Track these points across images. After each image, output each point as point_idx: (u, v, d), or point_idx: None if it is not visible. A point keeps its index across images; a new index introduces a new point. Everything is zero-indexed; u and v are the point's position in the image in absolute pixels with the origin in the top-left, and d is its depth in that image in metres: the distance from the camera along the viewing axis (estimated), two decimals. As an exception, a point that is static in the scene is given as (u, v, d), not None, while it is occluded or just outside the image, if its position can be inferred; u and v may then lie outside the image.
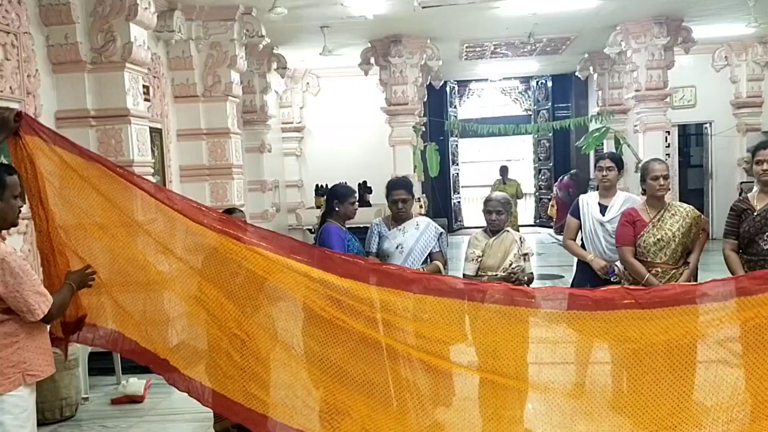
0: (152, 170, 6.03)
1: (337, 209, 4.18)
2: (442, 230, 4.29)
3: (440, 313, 2.86)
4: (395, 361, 2.94)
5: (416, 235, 4.15)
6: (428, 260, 4.17)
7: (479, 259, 4.07)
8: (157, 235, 3.10)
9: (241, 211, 4.61)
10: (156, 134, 6.99)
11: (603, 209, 4.54)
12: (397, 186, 4.22)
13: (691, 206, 4.11)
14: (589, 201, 4.63)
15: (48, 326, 2.89)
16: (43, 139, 2.91)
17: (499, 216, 4.08)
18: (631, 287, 3.25)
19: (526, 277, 4.04)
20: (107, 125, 5.49)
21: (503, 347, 2.79)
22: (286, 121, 13.14)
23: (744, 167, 11.34)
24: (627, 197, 4.61)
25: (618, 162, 4.69)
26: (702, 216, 4.14)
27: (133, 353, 3.17)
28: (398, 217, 4.20)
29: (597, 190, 4.75)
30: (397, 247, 4.12)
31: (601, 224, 4.48)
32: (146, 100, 6.30)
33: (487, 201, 4.15)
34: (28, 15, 5.14)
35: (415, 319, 2.93)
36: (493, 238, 4.10)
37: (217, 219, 3.03)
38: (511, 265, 4.02)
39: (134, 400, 4.97)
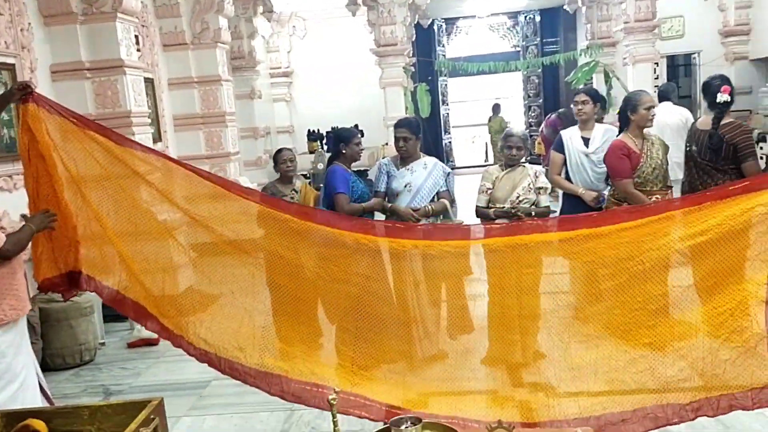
0: (149, 120, 6.08)
1: (344, 151, 4.30)
2: (449, 170, 4.42)
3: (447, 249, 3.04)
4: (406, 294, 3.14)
5: (424, 175, 4.25)
6: (435, 198, 4.28)
7: (489, 192, 4.21)
8: (157, 185, 3.19)
9: (290, 149, 4.84)
10: (148, 84, 6.98)
11: (585, 142, 4.72)
12: (400, 124, 4.32)
13: (655, 133, 4.38)
14: (571, 135, 4.79)
15: (19, 270, 2.96)
16: (46, 109, 3.05)
17: (519, 151, 4.17)
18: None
19: (533, 212, 4.10)
20: (102, 77, 5.51)
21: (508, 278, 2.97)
22: (274, 66, 13.06)
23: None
24: (606, 128, 4.82)
25: (594, 96, 4.85)
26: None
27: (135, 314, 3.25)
28: (401, 154, 4.30)
29: None
30: (405, 186, 4.22)
31: (587, 156, 4.67)
32: (137, 50, 6.28)
33: (508, 136, 4.23)
34: (16, -33, 5.10)
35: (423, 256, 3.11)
36: (505, 172, 4.21)
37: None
38: (518, 197, 4.13)
39: (150, 342, 5.16)
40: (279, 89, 13.13)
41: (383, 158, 4.54)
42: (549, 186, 4.28)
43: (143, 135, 5.68)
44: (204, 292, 3.24)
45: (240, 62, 10.54)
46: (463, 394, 3.03)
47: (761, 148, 4.06)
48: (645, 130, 4.33)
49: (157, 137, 7.19)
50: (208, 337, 3.11)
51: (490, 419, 2.52)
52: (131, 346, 5.26)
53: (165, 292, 3.17)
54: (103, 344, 5.33)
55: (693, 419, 2.69)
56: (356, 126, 12.18)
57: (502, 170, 4.24)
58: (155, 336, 5.21)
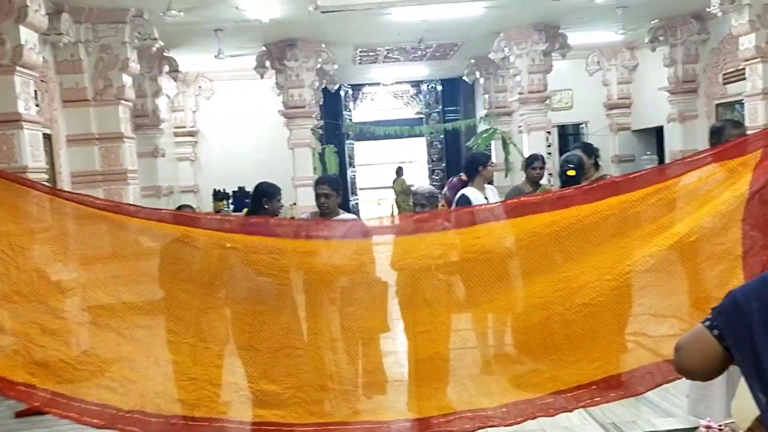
0: (46, 176, 5.83)
1: (266, 206, 4.34)
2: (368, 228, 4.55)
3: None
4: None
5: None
6: None
7: None
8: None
9: (191, 206, 4.71)
10: (46, 140, 6.73)
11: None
12: (321, 181, 4.50)
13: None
14: (473, 193, 5.18)
15: None
16: None
17: (423, 208, 4.41)
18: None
19: None
20: (-2, 131, 5.29)
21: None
22: (179, 126, 12.91)
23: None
24: (491, 187, 5.53)
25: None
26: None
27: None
28: (321, 210, 4.40)
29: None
30: None
31: None
32: (35, 105, 6.08)
33: (414, 194, 4.61)
34: None
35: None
36: None
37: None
38: None
39: (39, 410, 4.80)
40: (183, 148, 12.95)
41: (303, 214, 4.65)
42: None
43: (39, 192, 5.45)
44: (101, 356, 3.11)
45: (143, 120, 10.34)
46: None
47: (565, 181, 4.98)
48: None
49: (53, 195, 6.88)
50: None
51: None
52: (19, 415, 4.87)
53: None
54: (-16, 416, 4.92)
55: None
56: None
57: None
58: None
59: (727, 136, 3.87)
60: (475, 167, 5.23)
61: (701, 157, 2.81)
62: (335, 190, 4.36)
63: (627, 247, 2.84)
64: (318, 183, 4.49)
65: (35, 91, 6.27)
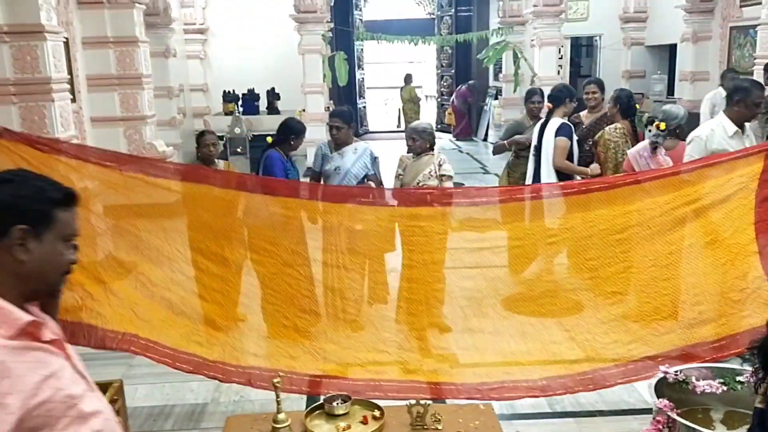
0: (68, 87, 5.99)
1: (292, 143, 4.62)
2: (377, 155, 4.80)
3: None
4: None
5: (353, 159, 4.64)
6: (364, 181, 4.66)
7: (401, 177, 4.64)
8: None
9: (213, 133, 4.91)
10: (63, 44, 6.81)
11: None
12: (333, 114, 4.75)
13: None
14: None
15: None
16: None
17: (414, 143, 4.57)
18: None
19: None
20: (21, 42, 5.38)
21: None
22: (188, 23, 12.77)
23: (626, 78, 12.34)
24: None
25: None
26: None
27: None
28: (334, 141, 4.69)
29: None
30: (335, 169, 4.61)
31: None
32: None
33: (409, 128, 4.75)
34: None
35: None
36: (413, 159, 4.62)
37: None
38: (419, 183, 4.50)
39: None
40: (193, 46, 12.89)
41: (318, 145, 4.91)
42: (452, 174, 4.62)
43: (62, 102, 5.63)
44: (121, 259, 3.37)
45: (155, 19, 10.27)
46: (377, 364, 3.38)
47: (650, 131, 4.66)
48: None
49: (71, 98, 7.05)
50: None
51: (403, 379, 2.97)
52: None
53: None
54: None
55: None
56: (273, 89, 12.29)
57: (412, 158, 4.65)
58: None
59: (754, 97, 4.04)
60: (563, 98, 5.19)
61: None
62: (346, 123, 4.63)
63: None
64: (331, 116, 4.75)
65: (52, -5, 6.30)
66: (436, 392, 3.24)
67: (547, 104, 5.40)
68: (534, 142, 5.29)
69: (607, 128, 5.10)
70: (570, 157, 5.11)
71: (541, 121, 5.32)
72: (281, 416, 2.51)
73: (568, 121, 5.25)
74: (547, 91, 5.55)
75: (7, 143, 2.96)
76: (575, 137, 5.16)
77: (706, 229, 3.15)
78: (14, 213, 1.43)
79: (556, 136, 5.07)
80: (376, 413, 2.63)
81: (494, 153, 6.22)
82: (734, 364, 2.98)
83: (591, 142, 5.29)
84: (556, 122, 5.13)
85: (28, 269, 1.45)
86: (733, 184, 3.07)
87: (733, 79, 7.04)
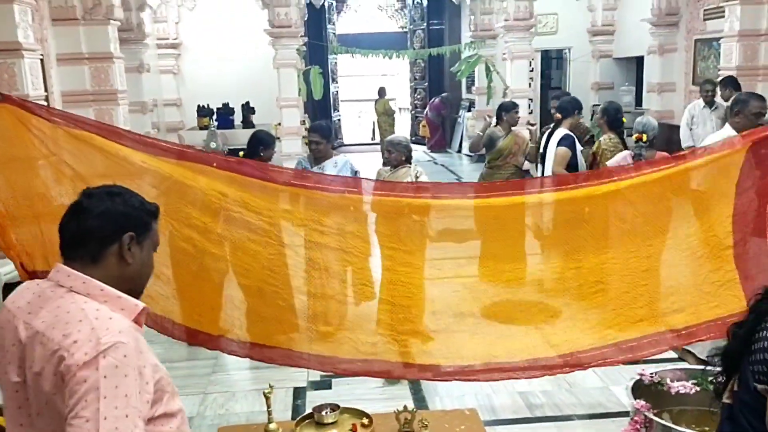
0: (46, 103, 5.98)
1: (262, 154, 4.65)
2: (357, 169, 4.89)
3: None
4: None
5: (333, 173, 4.70)
6: None
7: None
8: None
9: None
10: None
11: None
12: (313, 129, 4.89)
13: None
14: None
15: None
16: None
17: (390, 155, 4.69)
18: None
19: None
20: (-2, 59, 5.39)
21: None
22: (161, 37, 12.76)
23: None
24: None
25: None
26: None
27: None
28: (314, 155, 4.82)
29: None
30: None
31: None
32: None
33: (386, 141, 4.85)
34: None
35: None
36: (391, 172, 4.71)
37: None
38: None
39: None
40: (166, 61, 12.86)
41: (297, 158, 5.02)
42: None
43: (39, 119, 5.63)
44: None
45: (128, 34, 10.25)
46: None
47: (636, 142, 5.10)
48: None
49: (47, 115, 7.03)
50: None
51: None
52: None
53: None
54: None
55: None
56: (248, 103, 12.32)
57: (390, 171, 4.74)
58: None
59: (752, 107, 4.21)
60: (571, 110, 5.49)
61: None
62: (325, 137, 4.75)
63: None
64: (310, 131, 4.88)
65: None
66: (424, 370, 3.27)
67: (556, 115, 5.62)
68: (541, 150, 5.62)
69: (602, 138, 5.38)
70: (575, 167, 5.31)
71: (549, 130, 5.57)
72: (272, 426, 2.56)
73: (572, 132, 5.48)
74: (521, 102, 5.83)
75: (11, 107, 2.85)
76: (579, 148, 5.39)
77: (688, 221, 3.19)
78: (128, 222, 1.64)
79: (558, 145, 5.30)
80: (365, 421, 2.70)
81: (471, 150, 6.57)
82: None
83: (582, 150, 5.53)
84: (561, 132, 5.38)
85: (130, 272, 1.65)
86: (716, 175, 3.12)
87: (726, 86, 7.38)
